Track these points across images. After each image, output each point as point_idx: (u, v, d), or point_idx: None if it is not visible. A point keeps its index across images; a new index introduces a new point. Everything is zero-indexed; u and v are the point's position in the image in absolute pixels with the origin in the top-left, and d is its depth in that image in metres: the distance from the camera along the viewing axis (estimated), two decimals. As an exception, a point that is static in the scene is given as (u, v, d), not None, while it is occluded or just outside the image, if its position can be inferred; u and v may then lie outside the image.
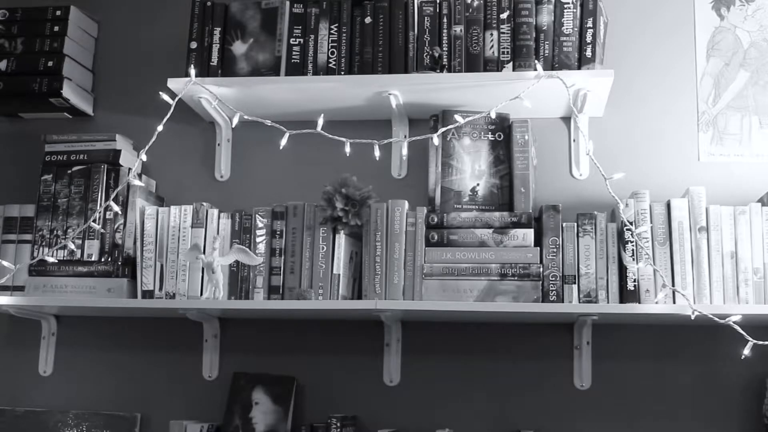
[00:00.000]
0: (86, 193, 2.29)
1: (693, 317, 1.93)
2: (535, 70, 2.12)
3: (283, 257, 2.17)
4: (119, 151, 2.32)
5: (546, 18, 2.21)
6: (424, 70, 2.22)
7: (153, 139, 2.12)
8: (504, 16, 2.22)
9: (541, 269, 2.07)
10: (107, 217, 2.26)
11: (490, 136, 2.23)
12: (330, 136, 2.11)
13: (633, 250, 2.05)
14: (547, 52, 2.20)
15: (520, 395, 2.23)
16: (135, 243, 2.24)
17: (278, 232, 2.19)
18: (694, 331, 2.15)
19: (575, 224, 2.09)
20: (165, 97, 2.13)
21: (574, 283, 2.07)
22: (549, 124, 2.36)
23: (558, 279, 2.07)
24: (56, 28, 2.43)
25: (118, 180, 2.28)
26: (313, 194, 2.19)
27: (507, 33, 2.22)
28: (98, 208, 2.23)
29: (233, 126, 2.19)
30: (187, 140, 2.47)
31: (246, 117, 2.16)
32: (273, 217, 2.20)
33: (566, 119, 2.36)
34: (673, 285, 2.02)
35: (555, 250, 2.08)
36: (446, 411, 2.24)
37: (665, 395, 2.19)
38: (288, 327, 2.32)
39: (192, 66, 2.26)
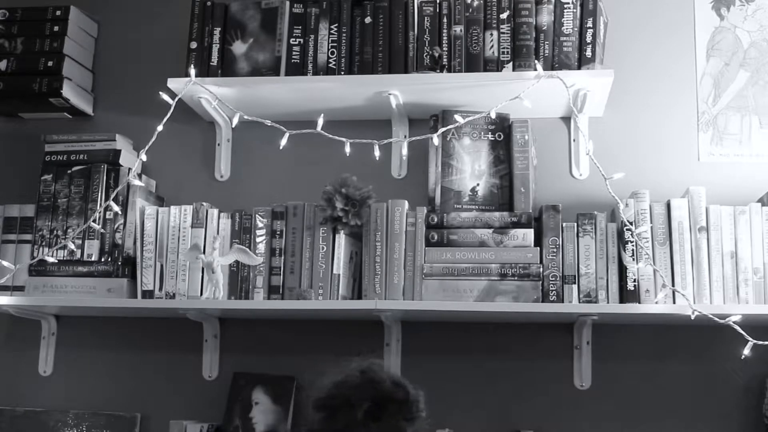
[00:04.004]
0: (86, 193, 2.29)
1: (693, 317, 1.93)
2: (535, 70, 2.12)
3: (283, 257, 2.17)
4: (119, 151, 2.32)
5: (546, 18, 2.21)
6: (424, 70, 2.22)
7: (153, 139, 2.13)
8: (504, 16, 2.22)
9: (541, 269, 2.07)
10: (107, 217, 2.26)
11: (490, 136, 2.23)
12: (330, 136, 2.11)
13: (633, 250, 2.05)
14: (547, 52, 2.20)
15: (520, 395, 2.23)
16: (135, 243, 2.24)
17: (278, 232, 2.19)
18: (694, 331, 2.15)
19: (575, 224, 2.09)
20: (165, 97, 2.13)
21: (574, 283, 2.07)
22: (549, 124, 2.35)
23: (558, 279, 2.07)
24: (56, 28, 2.43)
25: (118, 180, 2.28)
26: (313, 194, 2.19)
27: (507, 33, 2.22)
28: (98, 208, 2.23)
29: (233, 126, 2.19)
30: (187, 140, 2.47)
31: (246, 117, 2.16)
32: (273, 217, 2.20)
33: (566, 119, 2.36)
34: (673, 285, 2.02)
35: (555, 250, 2.08)
36: (446, 411, 2.24)
37: (665, 395, 2.19)
38: (288, 327, 2.32)
39: (192, 66, 2.26)
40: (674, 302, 2.02)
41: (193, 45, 2.33)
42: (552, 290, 2.06)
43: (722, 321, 1.91)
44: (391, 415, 1.50)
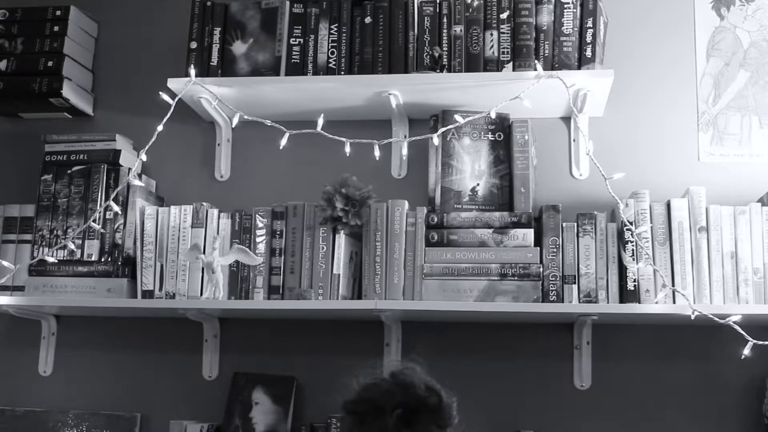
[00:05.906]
0: (86, 193, 2.29)
1: (693, 317, 1.93)
2: (535, 70, 2.12)
3: (283, 257, 2.17)
4: (119, 151, 2.32)
5: (546, 18, 2.21)
6: (424, 70, 2.22)
7: (153, 139, 2.13)
8: (504, 16, 2.22)
9: (541, 269, 2.07)
10: (107, 217, 2.26)
11: (490, 136, 2.23)
12: (330, 136, 2.11)
13: (633, 250, 2.05)
14: (547, 52, 2.20)
15: (520, 395, 2.23)
16: (135, 243, 2.24)
17: (278, 232, 2.19)
18: (694, 331, 2.15)
19: (575, 224, 2.09)
20: (165, 97, 2.13)
21: (574, 283, 2.07)
22: (549, 124, 2.35)
23: (558, 279, 2.07)
24: (56, 28, 2.43)
25: (118, 180, 2.28)
26: (313, 194, 2.19)
27: (507, 33, 2.22)
28: (98, 208, 2.23)
29: (233, 126, 2.19)
30: (187, 140, 2.47)
31: (246, 117, 2.16)
32: (273, 217, 2.20)
33: (566, 119, 2.36)
34: (673, 285, 2.02)
35: (555, 250, 2.08)
36: (446, 411, 2.24)
37: (665, 395, 2.19)
38: (288, 327, 2.32)
39: (192, 66, 2.26)
40: (674, 302, 2.02)
41: (193, 45, 2.33)
42: (552, 290, 2.06)
43: (722, 321, 1.91)
44: (423, 423, 1.42)
